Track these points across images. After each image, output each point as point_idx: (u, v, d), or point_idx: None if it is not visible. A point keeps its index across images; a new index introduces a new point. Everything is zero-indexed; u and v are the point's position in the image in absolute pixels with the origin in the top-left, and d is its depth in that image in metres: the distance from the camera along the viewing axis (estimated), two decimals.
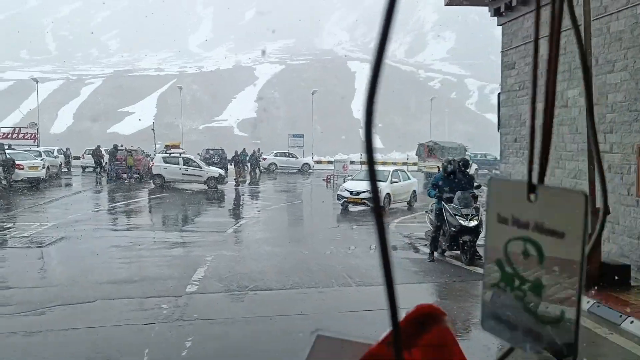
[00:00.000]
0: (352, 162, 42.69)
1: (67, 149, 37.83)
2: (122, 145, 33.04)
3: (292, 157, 42.04)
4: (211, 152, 39.53)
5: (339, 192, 21.42)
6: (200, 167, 26.65)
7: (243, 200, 25.05)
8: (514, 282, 0.68)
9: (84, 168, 36.87)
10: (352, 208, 20.89)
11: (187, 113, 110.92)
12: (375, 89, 0.52)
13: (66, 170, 36.49)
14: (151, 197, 23.28)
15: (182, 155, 27.69)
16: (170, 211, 20.11)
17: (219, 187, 26.83)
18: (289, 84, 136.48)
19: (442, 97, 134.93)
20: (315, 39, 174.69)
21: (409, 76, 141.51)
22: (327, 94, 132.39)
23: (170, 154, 28.00)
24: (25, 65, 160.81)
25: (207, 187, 26.13)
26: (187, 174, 26.07)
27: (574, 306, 0.61)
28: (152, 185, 27.95)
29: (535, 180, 0.64)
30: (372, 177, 0.56)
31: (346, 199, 20.63)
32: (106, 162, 30.51)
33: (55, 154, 34.67)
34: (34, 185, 25.36)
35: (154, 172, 26.65)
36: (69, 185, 28.81)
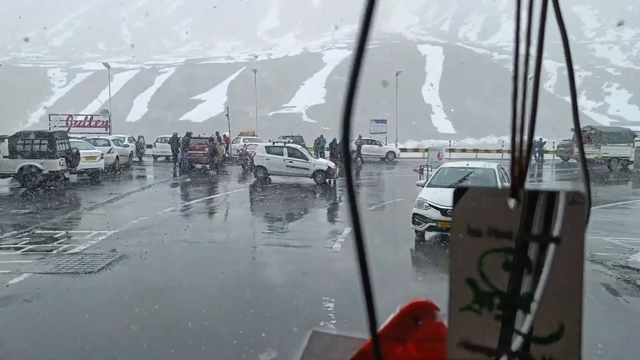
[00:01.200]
0: (450, 150, 38.30)
1: (139, 137, 35.08)
2: (204, 134, 29.88)
3: (376, 144, 37.85)
4: (288, 139, 35.84)
5: (416, 211, 12.37)
6: (307, 159, 22.77)
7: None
8: (493, 301, 0.59)
9: (155, 157, 34.06)
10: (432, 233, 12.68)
11: (256, 100, 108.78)
12: (355, 85, 0.51)
13: (137, 159, 33.75)
14: (238, 191, 20.01)
15: (287, 144, 24.00)
16: (274, 212, 15.94)
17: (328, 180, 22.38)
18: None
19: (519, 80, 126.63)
20: (384, 23, 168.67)
21: (483, 59, 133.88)
22: (396, 78, 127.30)
23: (273, 143, 24.48)
24: (103, 56, 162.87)
25: (314, 182, 22.30)
26: (292, 166, 22.25)
27: (575, 318, 0.56)
28: (233, 177, 24.55)
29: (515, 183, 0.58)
30: None
31: (434, 223, 11.95)
32: (179, 152, 27.37)
33: (126, 142, 31.89)
34: (93, 177, 22.44)
35: (256, 163, 22.90)
36: (140, 177, 25.94)
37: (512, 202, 0.56)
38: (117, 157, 26.53)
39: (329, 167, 22.41)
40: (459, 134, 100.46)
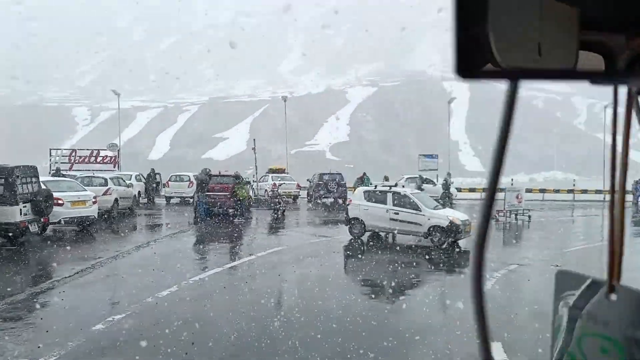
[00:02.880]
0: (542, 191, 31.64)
1: (152, 173, 28.32)
2: (226, 170, 23.60)
3: (429, 183, 30.98)
4: (325, 177, 29.40)
5: None
6: (419, 209, 14.91)
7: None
8: None
9: (168, 199, 27.72)
10: None
11: (279, 138, 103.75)
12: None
13: (146, 201, 27.47)
14: (280, 249, 13.39)
15: (392, 188, 17.16)
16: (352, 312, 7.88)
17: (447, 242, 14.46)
18: (382, 106, 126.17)
19: (547, 116, 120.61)
20: (406, 61, 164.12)
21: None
22: (421, 116, 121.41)
23: (376, 186, 17.81)
24: (127, 95, 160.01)
25: (430, 243, 14.49)
26: (398, 220, 15.11)
27: None
28: (268, 226, 18.12)
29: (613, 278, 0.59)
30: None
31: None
32: (195, 194, 20.85)
33: (132, 181, 25.68)
34: (82, 229, 16.11)
35: (350, 214, 16.02)
36: (141, 228, 19.27)
37: (613, 297, 0.57)
38: (115, 200, 20.30)
39: (451, 222, 14.44)
40: (448, 172, 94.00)
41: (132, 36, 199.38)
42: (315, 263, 12.33)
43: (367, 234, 15.75)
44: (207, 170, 21.16)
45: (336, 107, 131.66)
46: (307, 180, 31.64)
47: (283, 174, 31.23)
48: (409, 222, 14.81)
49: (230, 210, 20.31)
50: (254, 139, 30.19)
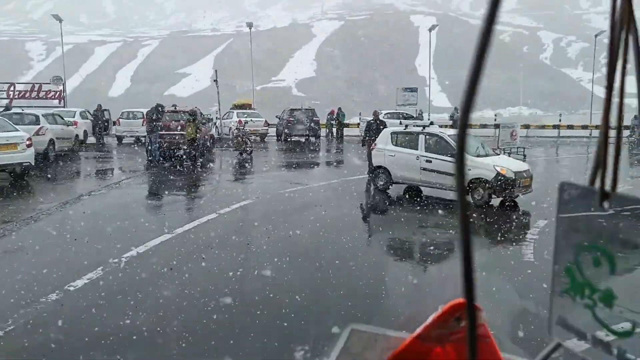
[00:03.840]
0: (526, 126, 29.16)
1: (99, 107, 24.43)
2: (185, 106, 20.13)
3: (408, 118, 27.83)
4: (297, 113, 26.09)
5: None
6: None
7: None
8: (584, 291, 0.62)
9: (119, 139, 24.12)
10: None
11: (244, 73, 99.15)
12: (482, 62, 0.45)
13: (96, 141, 23.87)
14: (250, 202, 10.40)
15: (425, 129, 12.80)
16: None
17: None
18: (348, 41, 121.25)
19: (514, 51, 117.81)
20: None
21: (477, 30, 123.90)
22: (389, 50, 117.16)
23: (406, 126, 13.03)
24: (85, 29, 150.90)
25: (471, 200, 10.70)
26: (432, 170, 11.36)
27: None
28: (235, 174, 15.13)
29: (608, 187, 0.58)
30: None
31: None
32: (147, 134, 17.30)
33: (76, 118, 22.01)
34: (15, 179, 12.79)
35: (375, 161, 12.56)
36: (81, 175, 15.83)
37: (606, 205, 0.57)
38: (51, 141, 16.75)
39: (498, 173, 10.57)
40: (455, 107, 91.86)
41: None
42: (293, 222, 9.42)
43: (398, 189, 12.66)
44: (160, 106, 17.67)
45: (302, 41, 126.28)
46: (276, 117, 28.32)
47: (249, 110, 27.67)
48: (443, 174, 10.99)
49: (187, 152, 16.97)
50: (215, 70, 26.48)
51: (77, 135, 19.50)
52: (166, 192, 12.08)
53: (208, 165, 17.36)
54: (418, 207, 11.03)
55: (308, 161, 19.23)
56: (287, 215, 10.05)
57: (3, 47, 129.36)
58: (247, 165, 17.43)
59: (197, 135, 16.70)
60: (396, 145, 12.30)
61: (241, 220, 9.69)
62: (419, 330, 0.65)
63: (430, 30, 38.49)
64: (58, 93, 29.58)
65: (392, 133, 12.63)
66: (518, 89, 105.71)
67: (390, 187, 12.40)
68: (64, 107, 28.60)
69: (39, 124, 16.79)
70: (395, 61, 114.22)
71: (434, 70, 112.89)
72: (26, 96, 28.93)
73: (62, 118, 18.92)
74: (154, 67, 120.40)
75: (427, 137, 11.75)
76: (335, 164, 19.43)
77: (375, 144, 12.75)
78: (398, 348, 0.66)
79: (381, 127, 14.13)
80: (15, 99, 28.84)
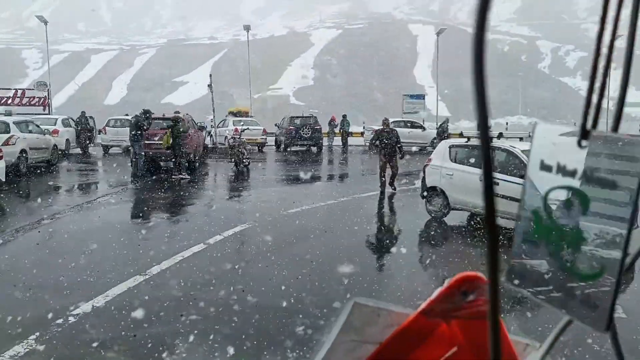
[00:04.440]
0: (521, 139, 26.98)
1: (82, 114, 22.36)
2: (177, 112, 18.19)
3: (417, 127, 25.68)
4: (297, 121, 24.03)
5: None
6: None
7: None
8: (551, 235, 0.59)
9: (106, 148, 22.05)
10: None
11: (242, 82, 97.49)
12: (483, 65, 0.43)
13: (81, 150, 21.84)
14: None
15: (495, 142, 9.92)
16: None
17: None
18: (347, 49, 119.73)
19: (512, 60, 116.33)
20: (371, 2, 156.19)
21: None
22: (386, 59, 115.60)
23: (468, 139, 11.06)
24: (82, 37, 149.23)
25: None
26: (499, 196, 7.38)
27: (615, 265, 0.54)
28: (229, 190, 13.19)
29: (588, 125, 0.56)
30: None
31: None
32: (132, 143, 15.22)
33: (58, 126, 20.03)
34: None
35: (428, 181, 10.13)
36: (53, 191, 13.49)
37: (584, 143, 0.55)
38: (23, 152, 14.68)
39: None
40: (454, 115, 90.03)
41: None
42: (301, 255, 7.39)
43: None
44: (147, 112, 15.65)
45: (300, 50, 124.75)
46: (276, 125, 26.30)
47: (247, 118, 25.60)
48: (512, 200, 7.29)
49: (175, 165, 14.91)
50: (210, 74, 24.52)
51: (55, 145, 17.39)
52: (145, 215, 10.08)
53: (199, 179, 15.36)
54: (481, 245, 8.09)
55: (311, 174, 17.24)
56: (292, 245, 8.04)
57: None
58: (243, 178, 15.44)
59: (178, 144, 14.66)
60: (455, 162, 9.84)
61: (235, 254, 7.67)
62: (423, 305, 0.63)
63: (438, 34, 36.54)
64: (43, 99, 27.58)
65: (451, 147, 10.24)
66: (517, 98, 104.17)
67: (446, 214, 9.85)
68: (48, 114, 26.63)
69: (8, 133, 14.76)
70: (394, 70, 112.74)
71: (433, 79, 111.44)
72: (9, 103, 26.90)
73: (38, 126, 16.86)
74: (150, 75, 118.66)
75: (496, 153, 9.10)
76: (341, 177, 17.43)
77: (429, 159, 10.35)
78: (402, 324, 0.64)
79: (392, 136, 12.23)
80: None
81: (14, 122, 15.22)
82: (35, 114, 26.20)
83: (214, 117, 24.13)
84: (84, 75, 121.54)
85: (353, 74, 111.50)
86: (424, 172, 10.37)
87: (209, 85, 23.52)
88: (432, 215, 10.05)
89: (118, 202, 11.18)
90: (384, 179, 12.58)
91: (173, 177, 14.69)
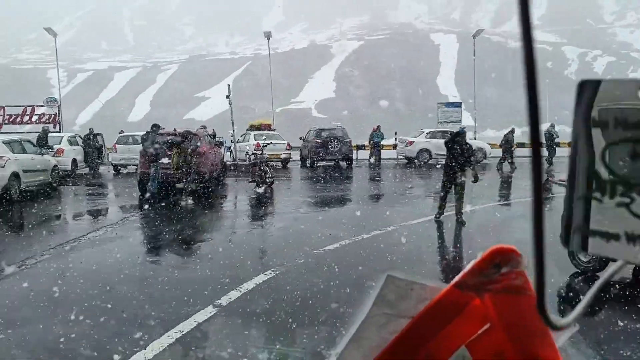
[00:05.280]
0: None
1: (90, 132, 20.49)
2: (203, 127, 16.08)
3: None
4: (325, 134, 21.69)
5: None
6: None
7: None
8: (616, 189, 0.55)
9: (116, 168, 20.03)
10: None
11: (263, 95, 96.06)
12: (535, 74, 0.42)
13: (89, 169, 19.86)
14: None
15: None
16: None
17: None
18: (368, 61, 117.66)
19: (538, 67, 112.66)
20: (391, 13, 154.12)
21: (498, 46, 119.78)
22: (410, 69, 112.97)
23: None
24: (105, 55, 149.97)
25: None
26: None
27: None
28: (249, 218, 11.11)
29: None
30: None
31: None
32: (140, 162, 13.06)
33: (63, 144, 18.11)
34: None
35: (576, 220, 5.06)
36: (49, 221, 11.21)
37: None
38: (14, 175, 12.61)
39: None
40: (480, 125, 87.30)
41: None
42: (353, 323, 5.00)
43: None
44: (155, 126, 13.50)
45: (321, 62, 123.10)
46: (300, 138, 24.01)
47: (269, 132, 23.34)
48: None
49: (184, 186, 12.65)
50: (229, 84, 22.36)
51: (56, 166, 15.33)
52: (141, 261, 7.74)
53: (215, 204, 13.10)
54: None
55: (346, 195, 14.86)
56: (337, 312, 5.63)
57: (26, 74, 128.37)
58: (266, 202, 13.14)
59: (188, 163, 12.46)
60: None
61: (256, 325, 5.29)
62: (457, 278, 0.62)
63: (474, 36, 33.67)
64: (53, 116, 25.76)
65: None
66: (544, 106, 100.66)
67: (604, 266, 6.75)
68: (59, 131, 24.82)
69: None
70: (416, 80, 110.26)
71: (457, 88, 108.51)
72: (17, 120, 25.16)
73: (35, 145, 14.83)
74: (173, 91, 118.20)
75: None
76: (380, 198, 14.97)
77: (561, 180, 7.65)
78: (435, 297, 0.63)
79: (468, 147, 9.79)
80: (5, 123, 25.14)
81: (4, 142, 13.14)
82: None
83: (233, 131, 21.95)
84: (107, 92, 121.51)
85: (375, 85, 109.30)
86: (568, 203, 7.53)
87: (227, 97, 21.38)
88: (582, 267, 6.90)
89: (111, 239, 8.93)
90: (444, 203, 10.11)
91: (182, 202, 12.46)
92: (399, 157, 25.42)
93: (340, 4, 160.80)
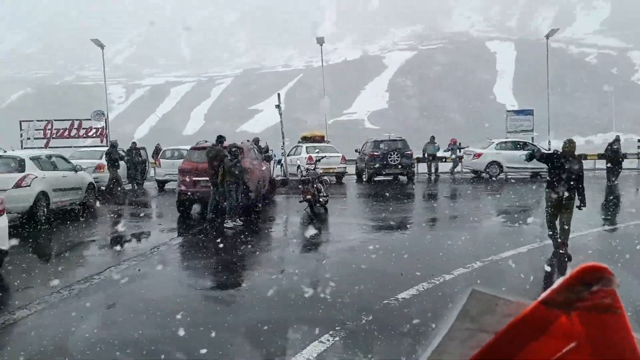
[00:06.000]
0: None
1: (133, 146, 19.26)
2: (248, 140, 14.49)
3: (528, 149, 20.73)
4: (383, 146, 19.64)
5: None
6: None
7: None
8: None
9: (161, 184, 18.69)
10: None
11: (315, 107, 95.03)
12: None
13: (132, 186, 18.58)
14: None
15: None
16: None
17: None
18: (421, 71, 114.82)
19: (602, 73, 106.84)
20: (445, 23, 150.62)
21: (559, 53, 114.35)
22: (464, 79, 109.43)
23: None
24: (162, 71, 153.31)
25: None
26: None
27: None
28: (301, 249, 9.32)
29: None
30: None
31: None
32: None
33: (103, 160, 16.91)
34: None
35: None
36: (54, 255, 9.53)
37: None
38: (42, 195, 11.13)
39: None
40: (540, 135, 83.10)
41: (164, 11, 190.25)
42: None
43: None
44: (221, 137, 11.92)
45: (373, 73, 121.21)
46: (356, 151, 22.05)
47: (322, 144, 21.46)
48: None
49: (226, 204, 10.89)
50: (278, 93, 20.70)
51: (92, 184, 13.94)
52: (161, 312, 5.85)
53: (262, 229, 11.27)
54: None
55: (412, 218, 12.69)
56: None
57: (88, 91, 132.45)
58: (320, 226, 11.23)
59: (227, 180, 10.74)
60: None
61: None
62: (544, 294, 0.60)
63: (547, 37, 30.61)
64: (100, 130, 24.86)
65: None
66: (609, 113, 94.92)
67: None
68: (106, 145, 23.89)
69: (22, 172, 11.36)
70: (472, 89, 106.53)
71: (514, 97, 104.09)
72: (65, 135, 24.36)
73: (68, 161, 13.50)
74: (226, 104, 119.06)
75: None
76: (455, 222, 12.23)
77: None
78: (520, 313, 0.61)
79: (578, 166, 7.57)
80: (53, 138, 24.41)
81: (31, 158, 11.79)
82: (94, 147, 23.55)
83: (283, 143, 20.26)
84: (164, 107, 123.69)
85: (428, 95, 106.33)
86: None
87: (277, 106, 19.71)
88: None
89: (132, 279, 7.19)
90: (556, 232, 7.92)
91: (225, 226, 10.74)
92: (463, 170, 23.09)
93: (393, 15, 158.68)
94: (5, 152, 12.21)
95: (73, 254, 9.27)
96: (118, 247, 9.52)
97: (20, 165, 11.48)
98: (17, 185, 11.08)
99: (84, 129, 24.60)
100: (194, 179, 12.00)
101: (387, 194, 16.48)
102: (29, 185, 11.23)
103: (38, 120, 24.89)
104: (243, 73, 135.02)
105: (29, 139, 24.06)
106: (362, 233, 10.26)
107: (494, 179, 20.18)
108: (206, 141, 13.19)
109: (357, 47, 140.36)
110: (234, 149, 11.09)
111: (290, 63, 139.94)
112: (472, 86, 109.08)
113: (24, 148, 23.56)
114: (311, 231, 10.61)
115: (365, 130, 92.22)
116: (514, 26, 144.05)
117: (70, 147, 22.39)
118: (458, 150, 22.72)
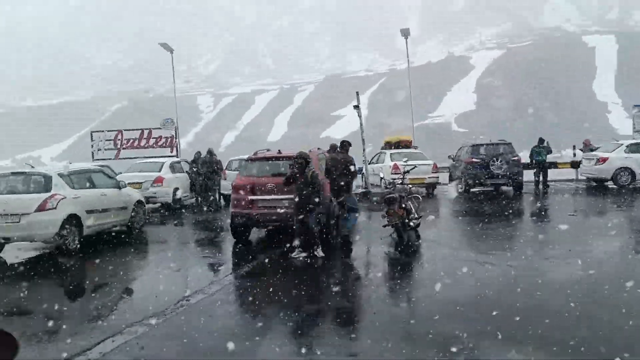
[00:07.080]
0: None
1: (198, 156, 16.94)
2: (324, 149, 11.79)
3: None
4: (484, 150, 16.36)
5: None
6: None
7: None
8: None
9: (227, 199, 16.42)
10: None
11: (399, 111, 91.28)
12: None
13: (195, 200, 16.50)
14: None
15: None
16: None
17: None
18: (511, 69, 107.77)
19: None
20: (535, 19, 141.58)
21: None
22: (559, 76, 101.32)
23: None
24: (247, 80, 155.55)
25: None
26: None
27: None
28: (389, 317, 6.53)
29: None
30: None
31: None
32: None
33: (164, 171, 14.93)
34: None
35: None
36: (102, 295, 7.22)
37: None
38: (70, 219, 9.16)
39: None
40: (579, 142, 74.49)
41: (245, 20, 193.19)
42: None
43: None
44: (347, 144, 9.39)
45: (459, 74, 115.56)
46: (449, 157, 18.82)
47: (409, 150, 18.37)
48: None
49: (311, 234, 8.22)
50: (357, 92, 17.89)
51: (139, 202, 11.87)
52: None
53: (333, 263, 8.48)
54: None
55: (537, 247, 9.22)
56: None
57: (178, 102, 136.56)
58: (409, 262, 8.32)
59: (315, 197, 8.11)
60: None
61: None
62: None
63: None
64: (170, 139, 23.26)
65: None
66: None
67: None
68: (176, 155, 22.24)
69: (49, 191, 9.35)
70: (568, 87, 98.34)
71: (617, 93, 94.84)
72: (135, 145, 23.00)
73: (110, 177, 11.49)
74: (309, 110, 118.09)
75: None
76: (607, 260, 8.08)
77: None
78: None
79: None
80: (123, 148, 23.12)
81: (60, 175, 9.79)
82: (165, 156, 21.91)
83: (364, 150, 17.38)
84: (249, 115, 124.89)
85: (520, 95, 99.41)
86: None
87: (356, 107, 16.92)
88: None
89: (166, 334, 4.71)
90: None
91: (292, 256, 8.16)
92: (581, 177, 19.24)
93: (479, 13, 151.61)
94: (32, 167, 10.30)
95: (70, 307, 6.93)
96: (138, 295, 7.10)
97: (46, 184, 9.47)
98: (40, 209, 9.06)
99: (153, 138, 23.12)
100: (251, 197, 9.47)
101: (492, 212, 13.15)
102: (55, 208, 9.18)
103: (108, 131, 23.76)
104: (325, 79, 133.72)
105: (99, 150, 22.92)
106: (468, 276, 7.01)
107: (623, 190, 16.26)
108: (268, 150, 10.68)
109: (442, 48, 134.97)
110: (300, 160, 8.49)
111: (372, 67, 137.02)
112: (568, 84, 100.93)
113: (95, 159, 22.44)
114: (398, 271, 7.69)
115: (453, 134, 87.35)
116: (613, 18, 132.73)
117: (137, 157, 20.97)
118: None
